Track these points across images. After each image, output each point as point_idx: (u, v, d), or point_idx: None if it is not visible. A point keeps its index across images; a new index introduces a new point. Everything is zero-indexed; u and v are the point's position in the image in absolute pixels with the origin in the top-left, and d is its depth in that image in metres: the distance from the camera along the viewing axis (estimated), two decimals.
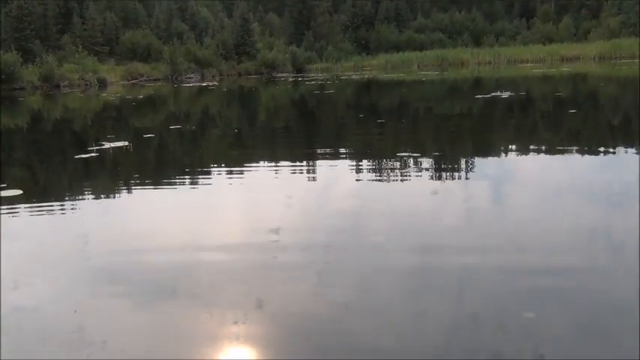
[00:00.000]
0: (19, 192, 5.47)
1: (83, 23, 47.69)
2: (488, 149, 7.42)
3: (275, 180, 5.97)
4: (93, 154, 7.56)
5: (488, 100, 14.01)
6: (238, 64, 52.21)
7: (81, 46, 43.38)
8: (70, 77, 38.35)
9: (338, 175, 6.04)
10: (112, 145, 8.33)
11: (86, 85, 38.56)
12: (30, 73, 37.04)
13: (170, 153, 8.67)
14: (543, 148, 7.35)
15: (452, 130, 9.46)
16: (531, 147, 7.44)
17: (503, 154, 7.04)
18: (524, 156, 6.85)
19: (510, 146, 7.66)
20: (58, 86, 37.03)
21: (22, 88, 35.47)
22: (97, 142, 8.56)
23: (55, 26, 47.26)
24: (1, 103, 23.96)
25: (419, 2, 68.54)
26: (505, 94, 14.80)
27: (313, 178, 6.01)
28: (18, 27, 43.02)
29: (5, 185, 5.74)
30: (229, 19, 58.96)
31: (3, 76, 34.83)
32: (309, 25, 62.73)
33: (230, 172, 6.67)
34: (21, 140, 11.19)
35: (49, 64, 37.52)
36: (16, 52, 36.39)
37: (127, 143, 8.50)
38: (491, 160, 6.57)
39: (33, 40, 43.07)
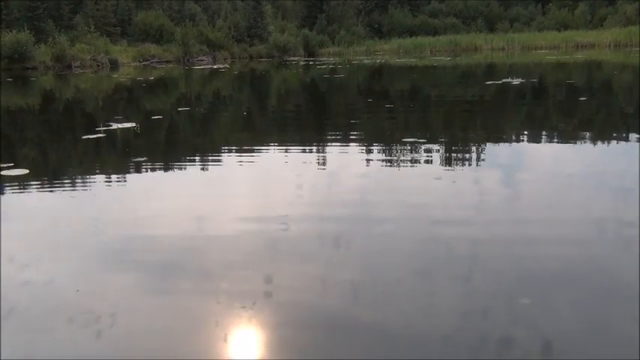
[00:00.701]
0: (25, 171, 5.49)
1: (96, 3, 47.68)
2: (499, 136, 7.35)
3: (284, 162, 5.98)
4: (100, 135, 7.57)
5: (499, 86, 13.86)
6: (250, 46, 52.08)
7: (93, 27, 43.42)
8: (81, 58, 38.43)
9: (347, 158, 6.04)
10: (120, 126, 8.33)
11: (98, 65, 38.63)
12: (42, 53, 37.15)
13: (178, 135, 8.66)
14: (554, 135, 7.28)
15: (461, 116, 9.39)
16: (542, 134, 7.38)
17: (514, 141, 6.97)
18: (535, 143, 6.79)
19: (521, 133, 7.57)
20: (69, 66, 37.13)
21: (34, 68, 35.61)
22: (105, 123, 8.57)
23: (68, 6, 47.28)
24: (14, 83, 24.06)
25: None
26: (516, 81, 14.64)
27: (322, 160, 6.01)
28: (30, 6, 43.06)
29: (12, 164, 5.75)
30: (242, 2, 58.68)
31: (16, 56, 34.96)
32: (321, 9, 62.36)
33: (239, 154, 6.68)
34: (31, 120, 11.24)
35: (62, 44, 37.60)
36: (28, 31, 36.47)
37: (134, 124, 8.49)
38: (501, 147, 6.50)
39: (45, 20, 43.13)
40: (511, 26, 58.31)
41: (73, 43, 39.65)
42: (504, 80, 15.04)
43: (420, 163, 5.59)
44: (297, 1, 65.52)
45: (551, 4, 61.89)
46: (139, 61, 42.76)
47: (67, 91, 19.88)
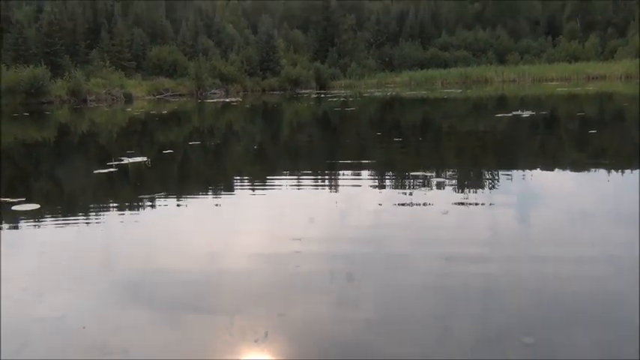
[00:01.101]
0: (36, 206, 5.53)
1: (111, 39, 48.59)
2: (511, 168, 7.31)
3: (296, 195, 6.00)
4: (112, 169, 7.65)
5: (509, 119, 13.85)
6: (262, 79, 52.64)
7: (108, 61, 44.18)
8: (97, 92, 39.02)
9: (359, 192, 6.05)
10: (131, 160, 8.41)
11: (113, 99, 39.18)
12: (58, 88, 37.79)
13: (188, 168, 8.72)
14: (565, 167, 7.26)
15: (472, 149, 9.39)
16: (555, 166, 7.34)
17: (526, 174, 6.92)
18: (547, 175, 6.75)
19: (534, 165, 7.55)
20: (85, 100, 37.69)
21: (50, 102, 36.18)
22: (117, 158, 8.65)
23: (84, 41, 48.25)
24: (30, 117, 24.44)
25: (443, 20, 68.59)
26: (526, 114, 14.61)
27: (334, 194, 6.06)
28: (48, 42, 44.00)
29: (24, 199, 5.81)
30: (254, 36, 59.55)
31: (32, 90, 35.58)
32: (333, 42, 63.08)
33: (252, 187, 6.75)
34: (45, 153, 11.40)
35: (77, 79, 38.24)
36: (45, 66, 37.18)
37: (145, 159, 8.57)
38: (514, 180, 6.46)
39: (62, 55, 44.00)
40: (521, 58, 58.54)
41: (88, 77, 40.33)
42: (514, 113, 15.03)
43: (432, 196, 5.58)
44: (309, 34, 66.42)
45: (561, 36, 62.19)
46: (153, 95, 43.35)
47: (82, 124, 20.16)
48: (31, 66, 37.05)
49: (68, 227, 4.89)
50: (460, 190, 5.89)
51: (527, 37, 65.14)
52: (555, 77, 47.57)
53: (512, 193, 5.68)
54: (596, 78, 45.10)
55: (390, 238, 4.28)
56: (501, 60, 58.98)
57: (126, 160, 8.35)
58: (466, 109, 21.34)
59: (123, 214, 5.45)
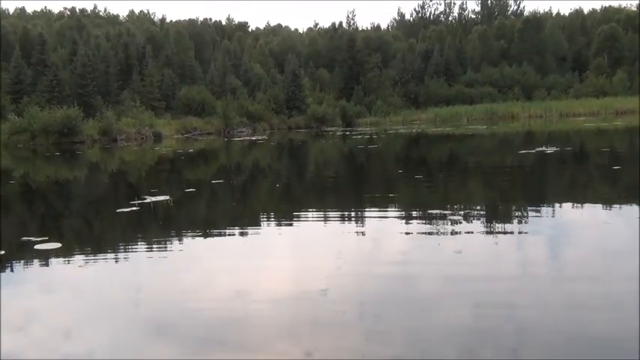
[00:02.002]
0: (58, 245, 5.65)
1: (142, 80, 49.88)
2: (540, 204, 7.21)
3: (323, 232, 6.00)
4: (135, 208, 7.78)
5: (533, 155, 13.73)
6: (289, 117, 53.25)
7: (139, 101, 45.25)
8: (127, 131, 39.87)
9: (386, 229, 6.03)
10: (154, 199, 8.55)
11: (142, 138, 39.96)
12: (90, 128, 38.74)
13: (210, 207, 8.81)
14: (598, 203, 7.11)
15: (493, 185, 9.33)
16: (579, 204, 7.24)
17: (556, 210, 6.81)
18: (577, 211, 6.63)
19: (563, 201, 7.43)
20: (115, 139, 38.51)
21: (81, 142, 37.05)
22: (140, 197, 8.81)
23: (116, 82, 49.66)
24: (62, 156, 25.07)
25: (468, 57, 68.89)
26: (550, 149, 14.46)
27: (361, 231, 6.06)
28: (81, 83, 45.40)
29: (46, 238, 5.94)
30: (281, 75, 60.54)
31: (65, 130, 36.53)
32: (358, 80, 63.73)
33: (278, 223, 6.82)
34: (73, 193, 11.65)
35: (109, 119, 39.19)
36: (78, 107, 38.26)
37: (168, 198, 8.70)
38: (543, 216, 6.36)
39: (95, 96, 45.29)
40: (548, 94, 58.26)
41: (119, 117, 41.32)
42: (538, 149, 14.89)
43: (460, 233, 5.55)
44: (334, 73, 67.24)
45: (588, 71, 61.83)
46: (182, 134, 44.10)
47: (112, 163, 20.58)
48: (65, 107, 38.14)
49: (89, 266, 4.98)
50: (488, 226, 5.85)
51: (554, 73, 64.92)
52: (583, 112, 47.14)
53: (539, 229, 5.59)
54: (625, 113, 44.52)
55: (418, 275, 4.25)
56: (528, 96, 58.74)
57: (149, 199, 8.50)
58: (491, 145, 21.25)
59: (142, 252, 5.53)
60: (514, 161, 13.25)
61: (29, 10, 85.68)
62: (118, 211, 7.69)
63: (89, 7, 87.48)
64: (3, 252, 5.47)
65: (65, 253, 5.45)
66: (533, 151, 14.65)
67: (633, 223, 5.67)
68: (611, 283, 3.87)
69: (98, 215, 8.30)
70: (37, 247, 5.56)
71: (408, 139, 27.10)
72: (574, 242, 5.24)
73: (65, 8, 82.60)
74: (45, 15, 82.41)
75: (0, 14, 55.48)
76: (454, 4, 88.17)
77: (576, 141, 20.28)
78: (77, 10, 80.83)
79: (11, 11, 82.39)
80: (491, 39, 71.04)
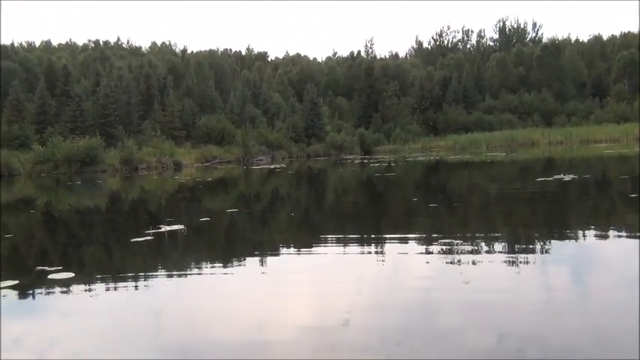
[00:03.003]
0: (71, 275, 5.69)
1: (163, 109, 50.68)
2: (563, 232, 7.10)
3: (339, 259, 5.99)
4: (149, 238, 7.82)
5: (550, 183, 13.57)
6: (308, 146, 53.55)
7: (159, 131, 45.90)
8: (148, 160, 40.42)
9: (406, 257, 5.99)
10: (168, 228, 8.59)
11: (162, 167, 40.44)
12: (112, 157, 39.38)
13: (225, 236, 8.82)
14: (615, 232, 6.98)
15: (511, 213, 9.22)
16: (602, 232, 7.11)
17: (579, 239, 6.70)
18: (597, 240, 6.52)
19: (580, 230, 7.31)
20: (136, 169, 39.03)
21: (103, 171, 37.61)
22: (155, 226, 8.86)
23: (137, 112, 50.52)
24: (83, 185, 25.42)
25: (487, 84, 68.92)
26: (568, 177, 14.27)
27: (381, 259, 6.02)
28: (104, 114, 46.27)
29: (60, 267, 5.99)
30: (300, 104, 61.08)
31: (87, 160, 37.16)
32: (377, 108, 64.07)
33: (297, 252, 6.81)
34: (91, 222, 11.77)
35: (130, 148, 39.81)
36: (100, 137, 38.96)
37: (182, 227, 8.74)
38: (566, 244, 6.27)
39: (116, 126, 46.10)
40: (568, 120, 57.90)
41: (140, 146, 41.94)
42: (556, 176, 14.70)
43: (482, 262, 5.49)
44: (353, 101, 67.67)
45: (608, 97, 61.42)
46: (202, 162, 44.55)
47: (131, 192, 20.80)
48: (87, 136, 38.86)
49: (102, 295, 5.01)
50: (510, 254, 5.78)
51: (574, 99, 64.60)
52: (604, 139, 46.67)
53: (562, 257, 5.52)
54: None
55: (440, 303, 4.22)
56: (548, 122, 58.44)
57: (163, 229, 8.55)
58: (510, 172, 21.07)
59: (158, 281, 5.55)
60: (533, 189, 13.10)
61: (55, 42, 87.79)
62: (133, 240, 7.75)
63: (112, 39, 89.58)
64: (17, 281, 5.52)
65: (78, 282, 5.48)
66: (550, 178, 14.47)
67: None
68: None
69: (113, 244, 8.35)
70: (50, 276, 5.60)
71: (426, 167, 27.03)
72: (599, 271, 5.14)
73: (89, 40, 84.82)
74: (70, 47, 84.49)
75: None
76: (472, 31, 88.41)
77: (598, 168, 20.04)
78: (101, 42, 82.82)
79: (37, 44, 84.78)
80: (510, 66, 71.10)
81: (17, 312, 4.61)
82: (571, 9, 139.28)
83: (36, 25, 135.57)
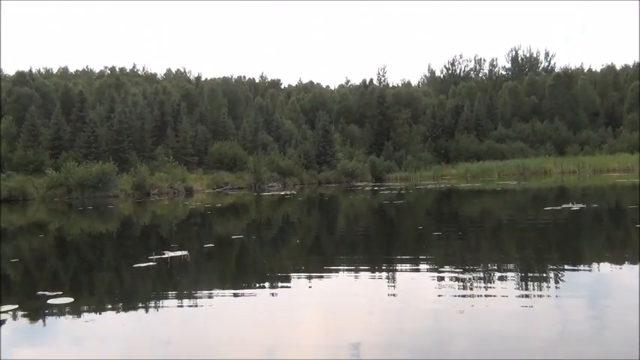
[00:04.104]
0: (70, 299, 5.71)
1: (176, 136, 51.16)
2: (575, 262, 7.03)
3: (353, 286, 5.95)
4: (152, 264, 7.84)
5: (557, 212, 13.46)
6: (319, 172, 53.65)
7: (172, 157, 46.27)
8: (160, 185, 40.68)
9: (417, 284, 5.99)
10: (172, 254, 8.62)
11: (174, 193, 40.66)
12: (124, 182, 39.71)
13: (227, 262, 8.82)
14: (630, 264, 6.90)
15: (522, 243, 9.15)
16: (624, 259, 7.03)
17: (582, 268, 6.64)
18: (616, 269, 6.45)
19: (594, 261, 7.24)
20: (148, 194, 39.27)
21: (115, 196, 37.89)
22: (159, 252, 8.89)
23: (151, 138, 51.04)
24: (95, 210, 25.59)
25: (499, 112, 68.92)
26: (576, 207, 14.14)
27: (392, 285, 6.02)
28: (117, 139, 46.80)
29: (60, 292, 6.02)
30: (312, 131, 61.38)
31: (100, 185, 37.48)
32: (388, 136, 64.23)
33: (309, 277, 6.76)
34: (98, 247, 11.83)
35: (142, 174, 40.13)
36: (113, 162, 39.36)
37: (185, 253, 8.77)
38: (581, 275, 6.20)
39: (130, 152, 46.58)
40: (581, 149, 57.60)
41: (152, 172, 42.28)
42: (564, 206, 14.58)
43: (494, 289, 5.46)
44: (364, 129, 67.92)
45: (622, 127, 61.14)
46: (213, 188, 44.75)
47: (142, 218, 20.88)
48: (100, 162, 39.28)
49: (97, 321, 5.01)
50: (522, 285, 5.74)
51: (587, 128, 64.34)
52: (617, 168, 46.32)
53: (574, 288, 5.46)
54: None
55: (451, 333, 4.19)
56: (560, 151, 58.17)
57: (167, 254, 8.57)
58: (520, 200, 20.93)
59: (163, 307, 5.56)
60: (542, 218, 12.99)
61: (72, 69, 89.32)
62: (135, 266, 7.77)
63: (128, 66, 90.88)
64: (17, 306, 5.55)
65: (76, 307, 5.50)
66: (559, 207, 14.35)
67: None
68: None
69: (115, 270, 8.37)
70: (49, 301, 5.63)
71: (437, 195, 26.94)
72: (611, 301, 5.07)
73: (105, 67, 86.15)
74: (86, 73, 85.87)
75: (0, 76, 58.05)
76: (484, 60, 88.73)
77: (609, 197, 19.86)
78: (117, 69, 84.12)
79: (55, 70, 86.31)
80: (522, 95, 71.10)
81: (14, 337, 4.62)
82: (584, 39, 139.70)
83: (54, 51, 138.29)
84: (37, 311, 5.43)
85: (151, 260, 8.06)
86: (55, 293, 5.96)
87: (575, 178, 39.99)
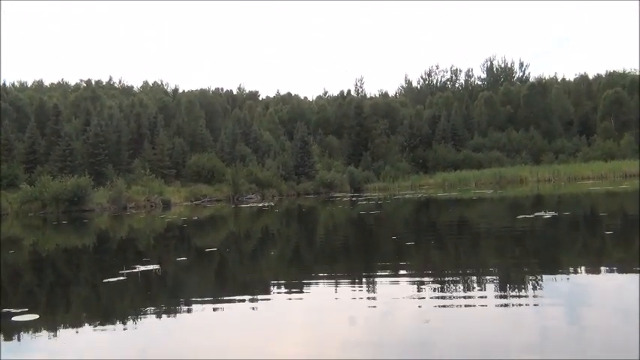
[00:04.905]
0: (35, 316, 5.61)
1: (153, 148, 50.78)
2: (553, 269, 7.09)
3: (334, 298, 5.92)
4: (122, 278, 7.74)
5: (530, 220, 13.59)
6: (298, 184, 53.59)
7: (149, 170, 45.87)
8: (136, 199, 40.24)
9: (398, 295, 5.96)
10: (143, 268, 8.51)
11: (151, 206, 40.25)
12: (100, 196, 39.18)
13: (198, 275, 8.73)
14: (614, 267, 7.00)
15: (501, 251, 9.23)
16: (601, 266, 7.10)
17: (557, 276, 6.70)
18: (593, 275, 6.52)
19: (572, 267, 7.32)
20: (125, 207, 38.83)
21: (91, 210, 37.37)
22: (130, 266, 8.78)
23: (127, 151, 50.58)
24: (69, 224, 25.22)
25: (475, 122, 69.71)
26: (548, 215, 14.29)
27: (372, 297, 5.98)
28: (93, 153, 46.30)
29: (26, 309, 5.91)
30: (290, 142, 61.40)
31: (75, 199, 36.96)
32: (366, 146, 64.51)
33: (288, 291, 6.73)
34: (70, 262, 11.65)
35: (119, 187, 39.67)
36: (89, 176, 38.86)
37: (157, 267, 8.67)
38: (558, 281, 6.25)
39: (106, 165, 46.08)
40: (556, 158, 58.46)
41: (129, 185, 41.82)
42: (537, 214, 14.72)
43: (474, 298, 5.48)
44: (343, 139, 68.14)
45: (595, 135, 62.25)
46: (191, 201, 44.41)
47: (118, 231, 20.58)
48: (76, 176, 38.74)
49: (65, 338, 4.93)
50: (502, 293, 5.78)
51: (561, 137, 65.38)
52: (591, 176, 47.10)
53: (561, 296, 5.49)
54: (633, 175, 44.40)
55: (433, 343, 4.19)
56: (536, 160, 58.97)
57: (138, 268, 8.47)
58: (497, 209, 21.12)
59: (118, 323, 5.47)
60: (514, 226, 13.11)
61: (47, 82, 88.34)
62: (105, 281, 7.66)
63: (105, 79, 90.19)
64: None
65: (43, 324, 5.40)
66: (531, 216, 14.49)
67: None
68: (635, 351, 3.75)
69: (83, 286, 8.22)
70: (14, 318, 5.52)
71: (415, 205, 27.07)
72: (592, 307, 5.12)
73: (81, 80, 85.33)
74: (62, 87, 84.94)
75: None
76: (460, 71, 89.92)
77: (582, 205, 20.16)
78: (93, 82, 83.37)
79: (29, 84, 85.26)
80: (498, 104, 72.09)
81: None
82: (557, 48, 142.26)
83: (29, 65, 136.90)
84: (2, 328, 5.31)
85: (122, 275, 7.95)
86: (20, 310, 5.84)
87: (551, 186, 40.52)
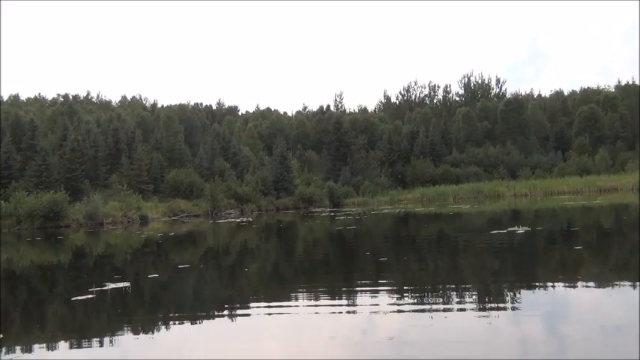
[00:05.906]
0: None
1: (131, 163, 50.33)
2: (530, 282, 7.13)
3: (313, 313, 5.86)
4: (91, 296, 7.59)
5: (503, 235, 13.67)
6: (277, 199, 53.42)
7: (126, 185, 45.39)
8: (113, 214, 39.75)
9: (376, 310, 5.95)
10: (113, 286, 8.37)
11: (128, 222, 39.79)
12: (76, 212, 38.63)
13: (168, 293, 8.60)
14: (591, 280, 7.06)
15: (481, 265, 9.28)
16: (577, 280, 7.17)
17: (548, 288, 6.72)
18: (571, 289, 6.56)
19: (549, 281, 7.37)
20: (101, 223, 38.33)
21: (67, 226, 36.83)
22: (101, 283, 8.62)
23: (105, 166, 50.05)
24: (44, 240, 24.79)
25: (453, 137, 70.38)
26: (521, 230, 14.39)
27: (352, 311, 5.97)
28: (70, 168, 45.72)
29: None
30: (269, 157, 61.29)
31: (51, 215, 36.40)
32: (346, 161, 64.67)
33: (267, 307, 6.65)
34: (41, 279, 11.43)
35: (95, 203, 39.15)
36: (65, 191, 38.31)
37: (127, 284, 8.54)
38: (537, 294, 6.27)
39: (83, 180, 45.50)
40: (533, 173, 59.19)
41: (106, 200, 41.30)
42: (510, 229, 14.80)
43: (453, 311, 5.50)
44: (322, 154, 68.24)
45: (571, 150, 63.20)
46: (169, 216, 43.99)
47: (94, 247, 20.30)
48: (52, 191, 38.18)
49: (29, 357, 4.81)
50: (481, 305, 5.82)
51: (538, 152, 66.27)
52: (567, 190, 47.74)
53: (540, 308, 5.51)
54: (608, 190, 45.11)
55: (413, 358, 4.18)
56: (513, 175, 59.64)
57: (108, 286, 8.32)
58: (475, 224, 21.26)
59: (83, 342, 5.37)
60: (483, 242, 13.17)
61: (23, 96, 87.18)
62: (74, 299, 7.51)
63: (82, 93, 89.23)
64: None
65: (7, 344, 5.27)
66: (504, 231, 14.55)
67: (627, 298, 5.65)
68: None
69: (50, 304, 8.05)
70: None
71: (393, 220, 27.13)
72: (570, 319, 5.17)
73: (58, 95, 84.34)
74: (38, 101, 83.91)
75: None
76: (438, 87, 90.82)
77: (557, 220, 20.40)
78: (70, 97, 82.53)
79: (5, 98, 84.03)
80: (475, 120, 72.89)
81: None
82: (532, 65, 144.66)
83: (4, 79, 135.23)
84: None
85: (91, 292, 7.80)
86: None
87: (527, 200, 40.95)
